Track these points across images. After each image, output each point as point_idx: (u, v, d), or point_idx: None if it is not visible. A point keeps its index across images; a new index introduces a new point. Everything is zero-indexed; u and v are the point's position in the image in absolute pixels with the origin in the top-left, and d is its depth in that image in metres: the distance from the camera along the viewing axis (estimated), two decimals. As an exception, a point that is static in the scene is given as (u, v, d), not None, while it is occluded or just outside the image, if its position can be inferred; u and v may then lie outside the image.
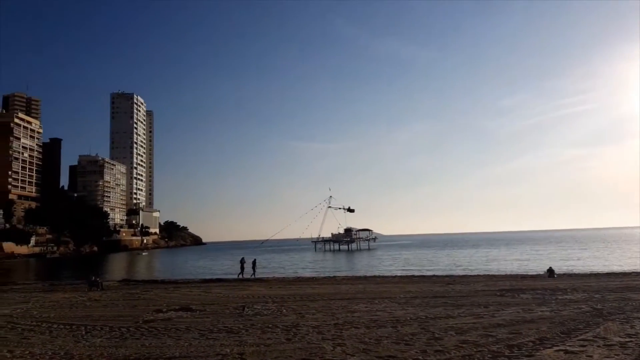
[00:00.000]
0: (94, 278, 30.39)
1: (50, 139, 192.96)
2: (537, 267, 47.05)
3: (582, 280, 28.26)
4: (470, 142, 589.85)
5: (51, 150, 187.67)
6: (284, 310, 16.98)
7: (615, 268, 43.53)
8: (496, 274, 39.50)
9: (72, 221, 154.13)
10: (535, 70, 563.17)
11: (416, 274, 42.84)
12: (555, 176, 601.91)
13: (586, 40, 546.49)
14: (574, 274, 36.08)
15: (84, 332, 13.43)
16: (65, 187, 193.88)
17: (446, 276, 37.02)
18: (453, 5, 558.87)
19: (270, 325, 13.70)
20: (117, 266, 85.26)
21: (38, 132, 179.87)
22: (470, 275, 37.46)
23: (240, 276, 39.81)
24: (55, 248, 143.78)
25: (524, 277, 33.54)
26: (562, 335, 11.25)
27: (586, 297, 18.53)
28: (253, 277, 39.88)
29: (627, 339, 10.60)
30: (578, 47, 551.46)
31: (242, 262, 42.16)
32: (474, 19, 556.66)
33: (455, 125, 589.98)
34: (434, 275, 38.55)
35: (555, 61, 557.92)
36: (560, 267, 42.28)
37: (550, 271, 33.01)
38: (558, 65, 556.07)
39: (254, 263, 42.25)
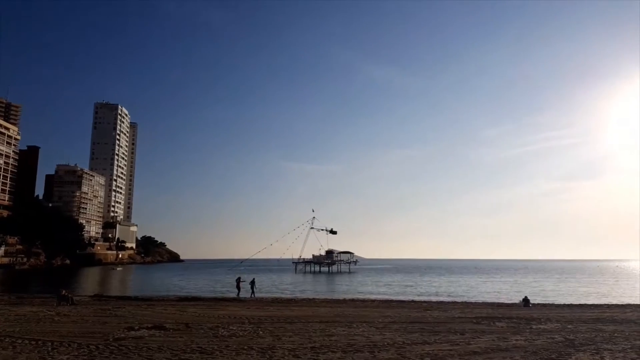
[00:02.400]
0: (63, 292, 29.47)
1: (28, 146, 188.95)
2: (513, 296, 47.51)
3: (556, 310, 28.66)
4: (454, 170, 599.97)
5: (28, 158, 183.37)
6: (261, 332, 16.75)
7: (589, 299, 44.23)
8: (473, 301, 39.75)
9: (45, 232, 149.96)
10: (518, 103, 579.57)
11: (394, 298, 42.77)
12: (534, 208, 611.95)
13: (569, 77, 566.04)
14: (549, 304, 36.53)
15: (50, 349, 13.00)
16: (41, 197, 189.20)
17: (424, 302, 37.09)
18: (444, 36, 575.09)
19: (245, 347, 13.48)
20: (89, 281, 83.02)
21: (15, 139, 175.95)
22: (447, 302, 37.58)
23: (239, 296, 39.34)
24: (25, 259, 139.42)
25: (499, 305, 33.82)
26: (536, 365, 11.34)
27: (559, 328, 18.76)
28: (253, 297, 39.44)
29: (599, 371, 10.73)
30: (561, 83, 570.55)
31: (238, 281, 41.68)
32: (464, 51, 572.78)
33: (440, 153, 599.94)
34: (412, 301, 38.56)
35: (538, 95, 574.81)
36: (535, 297, 42.76)
37: (526, 300, 33.39)
38: (541, 99, 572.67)
39: (252, 282, 41.91)
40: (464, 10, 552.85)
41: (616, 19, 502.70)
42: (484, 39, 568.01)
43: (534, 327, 18.97)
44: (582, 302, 40.08)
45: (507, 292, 56.58)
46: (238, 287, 41.06)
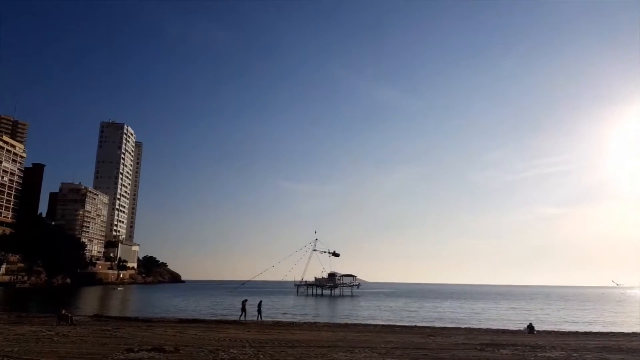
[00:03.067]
0: (63, 312, 29.36)
1: (33, 164, 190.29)
2: (518, 322, 46.78)
3: (561, 338, 28.15)
4: (456, 193, 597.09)
5: (33, 175, 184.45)
6: (261, 356, 16.53)
7: (594, 327, 43.47)
8: (477, 327, 39.15)
9: (47, 250, 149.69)
10: (520, 127, 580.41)
11: (397, 323, 42.21)
12: (532, 233, 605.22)
13: (570, 102, 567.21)
14: (554, 331, 35.93)
15: (49, 370, 12.89)
16: (44, 215, 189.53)
17: (427, 327, 36.56)
18: (446, 59, 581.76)
19: (245, 371, 13.29)
20: (89, 300, 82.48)
21: (21, 157, 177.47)
22: (451, 328, 37.03)
23: (243, 318, 39.00)
24: (25, 277, 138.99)
25: (504, 332, 33.31)
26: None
27: (565, 356, 18.42)
28: (259, 319, 39.08)
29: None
30: (562, 108, 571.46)
31: (244, 303, 41.44)
32: (467, 73, 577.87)
33: (442, 175, 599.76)
34: (415, 326, 38.05)
35: (540, 120, 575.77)
36: (540, 324, 42.08)
37: (530, 327, 32.91)
38: (542, 124, 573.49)
39: (259, 305, 41.63)
40: (467, 34, 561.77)
41: (617, 45, 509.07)
42: (485, 63, 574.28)
43: (539, 355, 18.64)
44: (588, 329, 39.37)
45: (511, 318, 55.72)
46: (244, 309, 40.67)
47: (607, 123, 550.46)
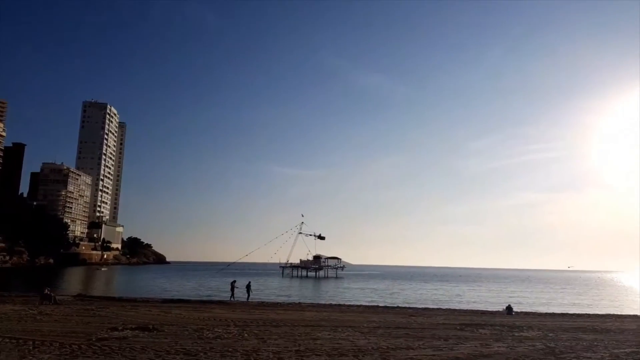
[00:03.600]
0: (46, 291, 29.24)
1: (14, 143, 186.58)
2: (497, 304, 47.92)
3: (538, 318, 29.03)
4: (440, 179, 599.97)
5: (13, 155, 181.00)
6: (246, 335, 16.76)
7: (571, 309, 44.79)
8: (457, 308, 40.08)
9: (29, 231, 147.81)
10: (506, 115, 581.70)
11: (380, 304, 42.94)
12: (518, 218, 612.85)
13: (555, 91, 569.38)
14: (531, 312, 36.95)
15: (31, 348, 12.92)
16: (25, 195, 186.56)
17: (409, 308, 37.31)
18: (434, 48, 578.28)
19: (230, 349, 13.51)
20: (73, 280, 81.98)
21: (1, 136, 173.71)
22: (432, 309, 37.82)
23: (232, 299, 39.38)
24: (7, 257, 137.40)
25: (483, 312, 34.14)
26: (516, 372, 11.50)
27: (541, 335, 19.03)
28: (248, 299, 39.55)
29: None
30: (547, 97, 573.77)
31: (233, 284, 41.80)
32: (453, 62, 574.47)
33: (427, 161, 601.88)
34: (397, 307, 38.77)
35: (525, 108, 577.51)
36: (519, 305, 43.19)
37: (509, 308, 33.80)
38: (527, 112, 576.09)
39: (248, 286, 42.03)
40: (454, 23, 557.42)
41: (609, 33, 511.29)
42: (473, 51, 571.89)
43: (516, 334, 19.23)
44: (564, 311, 40.57)
45: (491, 300, 57.03)
46: (232, 290, 41.14)
47: (593, 112, 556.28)
